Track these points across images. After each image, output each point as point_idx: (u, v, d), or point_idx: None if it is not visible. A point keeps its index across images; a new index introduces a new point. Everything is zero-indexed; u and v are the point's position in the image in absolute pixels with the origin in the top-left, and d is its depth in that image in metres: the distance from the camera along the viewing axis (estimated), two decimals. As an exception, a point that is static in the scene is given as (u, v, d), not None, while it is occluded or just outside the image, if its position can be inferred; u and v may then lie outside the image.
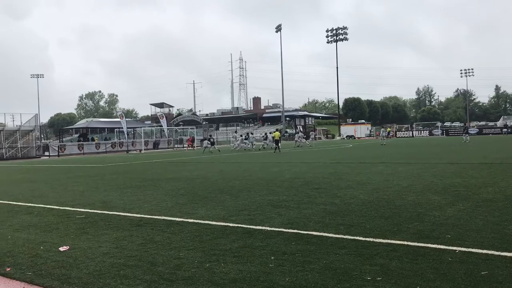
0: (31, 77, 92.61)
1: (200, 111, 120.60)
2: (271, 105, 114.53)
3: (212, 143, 39.48)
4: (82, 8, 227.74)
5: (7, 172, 23.59)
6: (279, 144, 34.03)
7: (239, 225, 6.58)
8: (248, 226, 6.48)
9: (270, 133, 43.20)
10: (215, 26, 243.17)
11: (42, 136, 72.30)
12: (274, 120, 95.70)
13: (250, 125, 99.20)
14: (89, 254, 5.30)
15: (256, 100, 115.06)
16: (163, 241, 5.82)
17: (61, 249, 5.58)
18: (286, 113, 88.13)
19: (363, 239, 5.50)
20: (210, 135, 46.33)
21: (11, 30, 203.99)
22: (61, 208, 9.08)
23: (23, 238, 6.35)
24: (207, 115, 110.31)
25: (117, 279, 4.33)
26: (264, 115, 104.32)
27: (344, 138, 78.80)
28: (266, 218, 7.03)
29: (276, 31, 79.78)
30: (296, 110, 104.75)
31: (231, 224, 6.66)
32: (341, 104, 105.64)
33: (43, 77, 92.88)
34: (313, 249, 5.12)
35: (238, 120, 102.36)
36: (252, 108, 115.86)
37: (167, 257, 5.04)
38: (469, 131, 47.48)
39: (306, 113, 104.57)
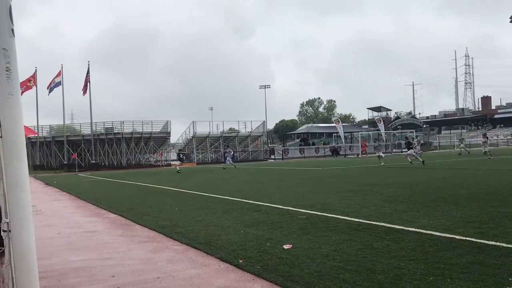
0: (260, 88, 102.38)
1: (420, 113, 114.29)
2: (505, 105, 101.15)
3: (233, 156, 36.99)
4: (291, 23, 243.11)
5: (241, 173, 26.63)
6: None
7: (467, 238, 5.92)
8: (479, 240, 5.78)
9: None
10: (424, 24, 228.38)
11: (269, 140, 79.38)
12: (508, 122, 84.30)
13: (478, 128, 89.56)
14: (310, 254, 5.50)
15: (486, 100, 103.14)
16: (382, 248, 5.65)
17: (285, 247, 5.94)
18: (524, 113, 76.62)
19: None
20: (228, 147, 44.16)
21: (241, 48, 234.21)
22: (284, 207, 9.71)
23: (253, 234, 6.99)
24: (427, 117, 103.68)
25: (336, 283, 4.36)
26: (496, 116, 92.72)
27: None
28: (500, 233, 6.17)
29: (511, 21, 70.15)
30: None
31: (457, 237, 6.06)
32: None
33: (269, 87, 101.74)
34: None
35: (463, 122, 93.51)
36: (480, 109, 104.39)
37: (387, 265, 4.87)
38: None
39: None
